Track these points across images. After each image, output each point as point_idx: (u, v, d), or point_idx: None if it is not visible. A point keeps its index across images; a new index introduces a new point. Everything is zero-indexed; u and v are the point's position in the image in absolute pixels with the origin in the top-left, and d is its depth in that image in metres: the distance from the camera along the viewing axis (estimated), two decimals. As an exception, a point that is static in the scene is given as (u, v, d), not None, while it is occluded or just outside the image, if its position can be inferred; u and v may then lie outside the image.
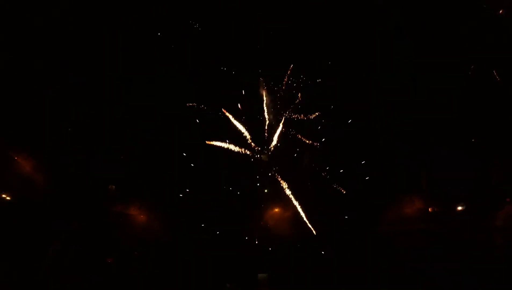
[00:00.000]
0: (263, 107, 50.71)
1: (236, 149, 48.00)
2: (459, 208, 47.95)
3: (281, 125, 50.49)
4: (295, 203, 46.67)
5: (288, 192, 46.34)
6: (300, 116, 51.08)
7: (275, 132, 50.04)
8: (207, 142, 48.23)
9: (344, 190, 47.25)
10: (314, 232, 46.13)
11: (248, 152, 48.18)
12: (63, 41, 51.98)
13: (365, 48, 54.61)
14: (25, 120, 47.74)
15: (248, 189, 46.02)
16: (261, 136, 50.01)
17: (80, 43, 52.08)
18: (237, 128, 49.07)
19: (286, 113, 50.42)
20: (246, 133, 48.61)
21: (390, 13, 55.61)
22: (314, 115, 51.22)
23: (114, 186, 47.51)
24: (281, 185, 45.85)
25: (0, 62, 49.65)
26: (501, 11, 53.35)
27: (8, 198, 44.62)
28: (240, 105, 50.79)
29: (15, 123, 47.20)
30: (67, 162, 47.95)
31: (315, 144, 50.64)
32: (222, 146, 48.94)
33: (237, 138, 49.06)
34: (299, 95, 51.37)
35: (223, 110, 49.09)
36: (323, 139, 50.94)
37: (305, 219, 46.41)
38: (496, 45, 53.45)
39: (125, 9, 53.55)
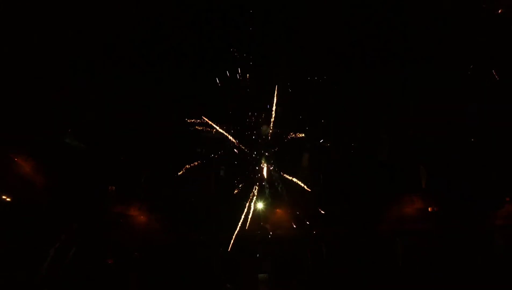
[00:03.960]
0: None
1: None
2: (459, 208, 48.06)
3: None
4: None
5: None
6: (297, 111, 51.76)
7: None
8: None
9: (343, 189, 47.37)
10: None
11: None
12: (62, 41, 52.25)
13: (365, 47, 54.82)
14: (25, 120, 47.93)
15: (248, 188, 46.25)
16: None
17: (78, 43, 52.34)
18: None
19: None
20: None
21: (389, 13, 55.88)
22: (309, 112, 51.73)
23: (114, 187, 47.60)
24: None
25: (0, 66, 50.00)
26: (500, 11, 53.58)
27: (8, 199, 44.75)
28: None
29: (15, 123, 47.38)
30: (67, 163, 48.10)
31: (315, 143, 50.81)
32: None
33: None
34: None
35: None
36: (323, 138, 51.13)
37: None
38: (496, 44, 53.68)
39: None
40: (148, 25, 58.83)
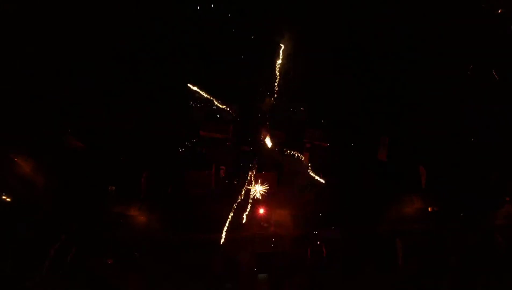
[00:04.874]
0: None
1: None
2: (459, 208, 48.06)
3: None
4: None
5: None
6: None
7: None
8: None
9: (344, 189, 47.44)
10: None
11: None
12: (62, 42, 52.32)
13: (365, 47, 54.81)
14: (25, 122, 47.92)
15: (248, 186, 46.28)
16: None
17: (79, 44, 52.38)
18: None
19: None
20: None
21: (389, 14, 55.86)
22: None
23: (114, 187, 47.62)
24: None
25: (1, 66, 49.96)
26: (500, 11, 53.49)
27: (8, 199, 44.74)
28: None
29: (15, 125, 47.37)
30: (67, 163, 48.10)
31: (316, 143, 50.98)
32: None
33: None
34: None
35: None
36: (325, 140, 51.22)
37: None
38: (495, 44, 53.62)
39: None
40: (148, 26, 58.55)
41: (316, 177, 49.21)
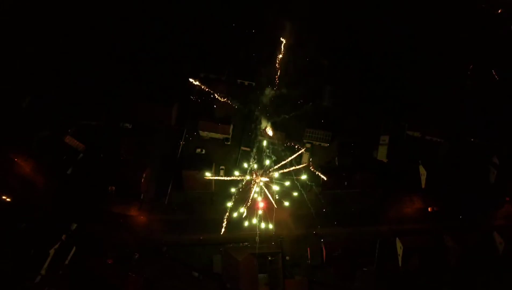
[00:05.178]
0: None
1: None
2: (459, 208, 47.97)
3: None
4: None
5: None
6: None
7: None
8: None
9: (344, 189, 47.38)
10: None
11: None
12: (61, 46, 52.29)
13: (366, 47, 54.76)
14: (25, 122, 47.88)
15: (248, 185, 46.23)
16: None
17: (78, 47, 52.31)
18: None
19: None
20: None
21: (389, 14, 55.82)
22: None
23: (114, 187, 47.55)
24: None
25: (1, 67, 50.12)
26: (500, 11, 53.49)
27: (8, 199, 44.72)
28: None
29: (15, 125, 47.33)
30: (67, 163, 48.04)
31: (316, 143, 50.92)
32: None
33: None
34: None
35: None
36: (323, 138, 51.16)
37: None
38: (495, 44, 53.58)
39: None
40: (148, 26, 58.37)
41: (317, 176, 49.27)
